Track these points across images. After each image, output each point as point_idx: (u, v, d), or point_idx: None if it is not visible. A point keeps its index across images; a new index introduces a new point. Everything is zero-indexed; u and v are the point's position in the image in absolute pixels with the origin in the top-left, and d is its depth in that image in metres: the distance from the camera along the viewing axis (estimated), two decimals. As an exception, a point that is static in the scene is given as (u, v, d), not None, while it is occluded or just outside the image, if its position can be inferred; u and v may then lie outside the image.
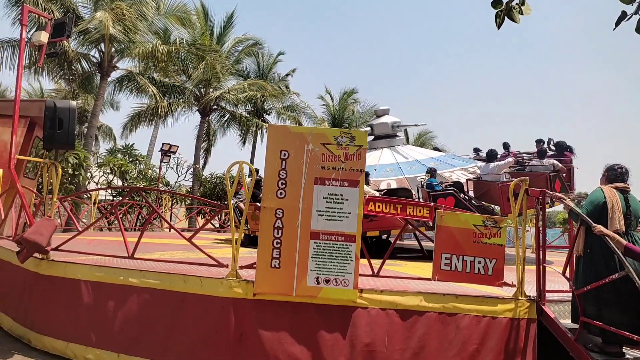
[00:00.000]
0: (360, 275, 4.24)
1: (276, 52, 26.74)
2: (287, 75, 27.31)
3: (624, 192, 3.82)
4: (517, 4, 2.72)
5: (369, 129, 12.80)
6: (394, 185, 9.87)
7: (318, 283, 4.10)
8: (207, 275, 4.34)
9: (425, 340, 4.00)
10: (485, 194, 8.78)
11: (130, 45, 17.28)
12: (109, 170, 16.46)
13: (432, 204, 4.50)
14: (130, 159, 18.38)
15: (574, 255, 3.94)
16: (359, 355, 3.99)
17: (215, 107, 23.92)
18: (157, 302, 4.42)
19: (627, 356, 3.82)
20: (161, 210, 17.26)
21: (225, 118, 25.44)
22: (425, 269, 5.17)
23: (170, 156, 18.38)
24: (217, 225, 16.86)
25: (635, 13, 2.41)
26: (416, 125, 15.01)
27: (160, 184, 17.98)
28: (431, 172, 8.77)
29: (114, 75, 19.22)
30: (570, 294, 4.04)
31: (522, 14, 2.71)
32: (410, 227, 5.25)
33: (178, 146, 18.13)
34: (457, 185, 8.82)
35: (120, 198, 14.53)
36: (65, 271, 4.86)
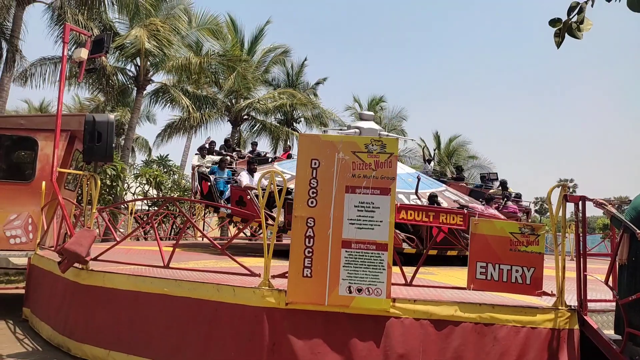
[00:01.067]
0: (393, 284, 4.19)
1: (305, 60, 26.93)
2: (317, 83, 27.48)
3: (671, 196, 3.64)
4: (575, 22, 2.59)
5: (357, 130, 12.30)
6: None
7: (350, 292, 4.08)
8: (240, 285, 4.38)
9: (462, 351, 3.90)
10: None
11: (164, 59, 17.81)
12: (144, 181, 16.93)
13: (466, 211, 4.39)
14: (165, 170, 18.86)
15: (617, 264, 3.78)
16: (393, 366, 3.92)
17: (246, 116, 24.29)
18: (192, 311, 4.49)
19: (679, 370, 3.62)
20: (194, 220, 17.62)
21: (256, 127, 25.79)
22: (459, 277, 5.05)
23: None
24: (248, 234, 17.02)
25: None
26: (407, 139, 14.33)
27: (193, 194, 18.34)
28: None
29: (149, 88, 19.85)
30: (614, 304, 3.86)
31: (580, 30, 2.60)
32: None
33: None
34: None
35: (156, 208, 14.92)
36: (104, 281, 5.01)
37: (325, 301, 4.08)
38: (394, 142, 4.29)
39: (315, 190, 4.23)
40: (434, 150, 29.89)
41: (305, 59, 26.68)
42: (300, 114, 26.02)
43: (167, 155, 20.24)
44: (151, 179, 16.71)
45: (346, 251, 4.13)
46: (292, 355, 4.03)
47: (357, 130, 12.43)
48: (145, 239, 13.91)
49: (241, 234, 18.25)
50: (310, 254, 4.15)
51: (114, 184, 14.15)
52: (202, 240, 13.79)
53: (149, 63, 17.95)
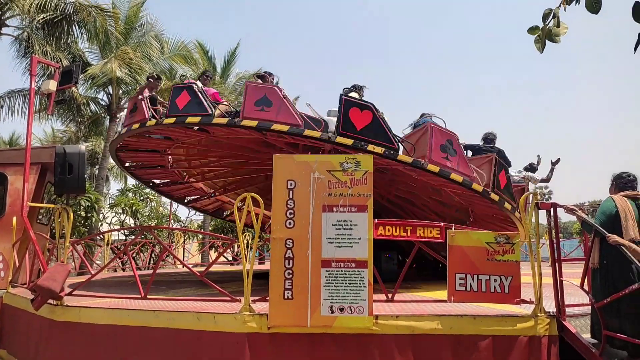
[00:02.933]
0: (375, 301, 4.19)
1: (278, 82, 27.21)
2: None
3: (635, 199, 3.77)
4: (551, 27, 2.72)
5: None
6: None
7: (332, 312, 4.05)
8: (221, 311, 4.31)
9: (445, 364, 3.90)
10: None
11: (137, 86, 17.69)
12: (120, 210, 16.61)
13: (442, 224, 4.44)
14: (141, 198, 18.53)
15: (591, 267, 3.87)
16: (379, 384, 3.90)
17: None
18: (173, 342, 4.38)
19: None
20: (174, 247, 17.33)
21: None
22: (440, 290, 5.08)
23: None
24: (229, 258, 16.82)
25: None
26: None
27: (172, 221, 18.08)
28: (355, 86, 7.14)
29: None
30: (590, 308, 3.94)
31: (557, 35, 2.73)
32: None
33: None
34: None
35: (133, 237, 14.63)
36: (80, 316, 4.87)
37: (308, 323, 4.04)
38: (369, 158, 4.34)
39: (292, 211, 4.23)
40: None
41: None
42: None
43: (143, 183, 19.97)
44: (127, 208, 16.41)
45: (326, 270, 4.12)
46: (277, 379, 3.97)
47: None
48: (123, 269, 13.58)
49: (222, 258, 18.08)
50: (291, 276, 4.12)
51: (89, 215, 13.82)
52: (183, 268, 13.57)
53: (121, 91, 17.81)
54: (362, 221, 4.16)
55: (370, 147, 5.93)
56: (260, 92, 6.49)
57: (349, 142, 5.99)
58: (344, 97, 6.29)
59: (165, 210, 19.19)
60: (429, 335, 4.01)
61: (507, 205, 6.72)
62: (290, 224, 4.21)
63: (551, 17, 2.65)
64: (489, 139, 7.92)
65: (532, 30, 2.70)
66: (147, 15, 18.65)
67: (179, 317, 4.40)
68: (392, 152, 6.02)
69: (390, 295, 4.60)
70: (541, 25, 2.71)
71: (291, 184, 4.27)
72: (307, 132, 6.14)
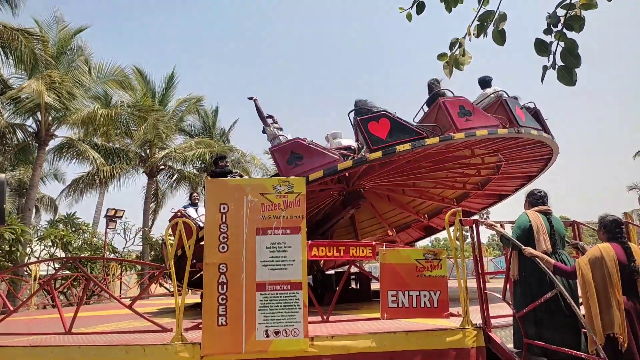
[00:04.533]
0: (310, 322, 4.19)
1: (218, 107, 27.09)
2: (230, 128, 27.58)
3: (546, 214, 4.07)
4: (457, 55, 2.92)
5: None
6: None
7: (268, 336, 4.01)
8: (151, 343, 4.13)
9: (380, 382, 3.95)
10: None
11: (67, 113, 16.93)
12: (50, 243, 15.58)
13: (373, 243, 4.56)
14: (73, 229, 17.50)
15: (511, 279, 4.09)
16: (315, 407, 3.87)
17: (162, 167, 23.56)
18: (99, 378, 4.13)
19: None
20: (109, 280, 16.40)
21: (174, 177, 25.04)
22: (375, 309, 5.17)
23: (116, 222, 17.72)
24: (171, 289, 16.16)
25: (552, 68, 2.64)
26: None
27: (107, 252, 17.18)
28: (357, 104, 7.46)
29: (53, 143, 18.65)
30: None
31: (462, 64, 2.93)
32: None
33: (124, 210, 17.55)
34: None
35: (63, 271, 13.73)
36: (-3, 356, 4.48)
37: (243, 348, 3.97)
38: (301, 181, 4.40)
39: (225, 235, 4.19)
40: None
41: (217, 108, 26.82)
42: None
43: (74, 213, 18.83)
44: (57, 240, 15.42)
45: (261, 294, 4.09)
46: (211, 411, 3.83)
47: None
48: (53, 306, 12.67)
49: (163, 290, 17.31)
50: (224, 301, 4.05)
51: (13, 248, 12.86)
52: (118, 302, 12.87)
53: (50, 117, 16.96)
54: (296, 243, 4.19)
55: (400, 147, 6.30)
56: (285, 152, 6.66)
57: (379, 154, 6.33)
58: (358, 118, 6.66)
59: (100, 242, 18.20)
60: (364, 354, 4.05)
61: (533, 132, 7.24)
62: (223, 248, 4.16)
63: (457, 46, 2.86)
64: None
65: (440, 56, 2.91)
66: (79, 38, 17.94)
67: (106, 352, 4.17)
68: (419, 141, 6.43)
69: (325, 316, 4.62)
70: (449, 53, 2.92)
71: (224, 208, 4.24)
72: (341, 166, 6.37)
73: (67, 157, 19.51)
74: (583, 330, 3.72)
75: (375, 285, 9.53)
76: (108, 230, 17.46)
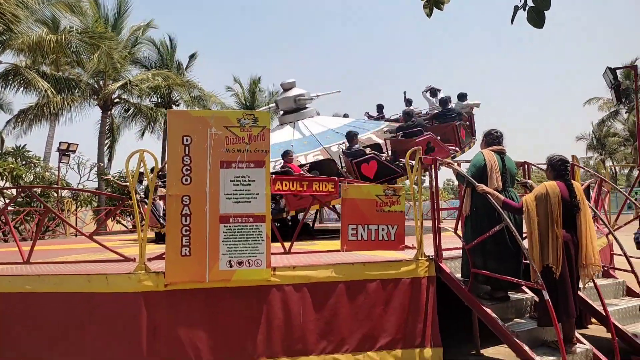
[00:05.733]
0: (273, 254, 4.33)
1: (176, 38, 25.82)
2: (189, 62, 26.46)
3: (501, 153, 4.27)
4: None
5: (274, 105, 12.44)
6: (314, 159, 9.57)
7: (231, 266, 4.12)
8: (114, 272, 4.18)
9: (337, 308, 4.21)
10: (405, 150, 9.08)
11: (11, 36, 15.65)
12: (-2, 176, 14.94)
13: (336, 179, 4.67)
14: (24, 162, 16.76)
15: (463, 214, 4.34)
16: (276, 331, 4.10)
17: (117, 100, 22.56)
18: (62, 307, 4.16)
19: (512, 298, 4.33)
20: (64, 215, 16.07)
21: (130, 111, 24.09)
22: (337, 244, 5.39)
23: (69, 156, 17.05)
24: (130, 227, 16.04)
25: (523, 8, 2.66)
26: (329, 93, 14.43)
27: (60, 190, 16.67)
28: (349, 137, 8.52)
29: (-3, 70, 17.36)
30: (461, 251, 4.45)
31: (442, 3, 2.92)
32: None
33: (77, 144, 16.84)
34: (376, 147, 8.85)
35: (12, 204, 13.30)
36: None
37: (206, 278, 4.08)
38: (266, 115, 4.37)
39: (189, 168, 4.16)
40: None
41: (171, 39, 25.51)
42: (178, 96, 24.85)
43: (25, 145, 17.95)
44: (7, 174, 14.78)
45: (224, 226, 4.15)
46: (175, 337, 3.99)
47: (272, 105, 12.39)
48: (5, 240, 12.39)
49: (121, 227, 17.15)
50: (188, 232, 4.09)
51: (-42, 181, 12.28)
52: (76, 237, 12.69)
53: (-8, 40, 15.66)
54: (260, 177, 4.23)
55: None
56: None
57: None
58: (354, 161, 7.98)
59: (53, 176, 17.58)
60: (323, 284, 4.26)
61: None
62: (186, 180, 4.14)
63: None
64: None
65: None
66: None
67: (67, 280, 4.18)
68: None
69: (287, 248, 4.78)
70: None
71: (187, 140, 4.18)
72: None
73: (14, 86, 18.26)
74: (525, 261, 4.05)
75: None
76: (61, 164, 16.83)
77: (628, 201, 7.11)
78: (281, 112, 12.12)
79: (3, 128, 21.81)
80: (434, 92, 11.62)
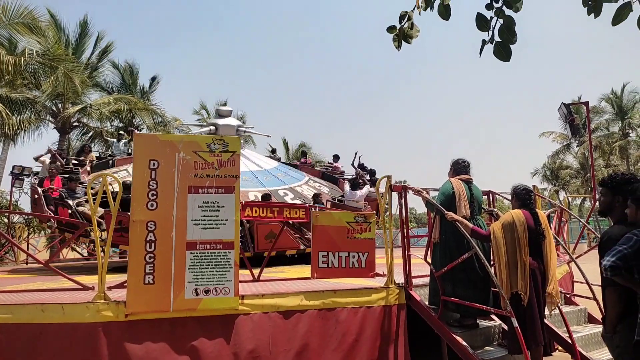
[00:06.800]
0: (241, 282, 4.21)
1: (140, 63, 25.57)
2: (151, 85, 26.14)
3: (468, 182, 4.38)
4: (406, 28, 2.99)
5: (213, 127, 12.19)
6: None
7: (197, 294, 3.97)
8: (70, 301, 3.93)
9: (308, 337, 4.10)
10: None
11: (-36, 55, 15.03)
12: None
13: (307, 205, 4.64)
14: (-28, 186, 15.87)
15: (432, 242, 4.38)
16: (243, 363, 3.94)
17: (76, 123, 21.88)
18: (11, 339, 3.86)
19: (481, 326, 4.36)
20: (17, 242, 15.18)
21: (90, 135, 23.37)
22: (307, 271, 5.31)
23: (23, 180, 16.24)
24: (86, 254, 15.32)
25: (490, 42, 2.77)
26: (260, 134, 14.62)
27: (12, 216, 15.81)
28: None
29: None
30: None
31: (410, 37, 3.01)
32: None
33: (32, 168, 16.10)
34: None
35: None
36: None
37: (171, 307, 3.91)
38: (236, 140, 4.32)
39: (155, 192, 4.03)
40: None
41: (131, 65, 25.20)
42: (140, 121, 24.35)
43: (-26, 168, 17.05)
44: (-48, 198, 13.91)
45: (191, 253, 4.02)
46: (135, 368, 3.76)
47: (212, 127, 12.14)
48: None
49: (77, 255, 16.35)
50: (152, 260, 3.93)
51: None
52: (28, 265, 11.98)
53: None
54: (230, 202, 4.14)
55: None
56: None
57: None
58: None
59: (5, 201, 16.68)
60: (293, 312, 4.15)
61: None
62: (152, 205, 4.00)
63: (406, 19, 2.93)
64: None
65: (390, 29, 2.96)
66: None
67: (18, 310, 3.89)
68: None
69: (256, 275, 4.66)
70: (398, 25, 2.99)
71: (154, 164, 4.06)
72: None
73: (-35, 108, 17.38)
74: (494, 289, 4.10)
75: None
76: (14, 189, 15.98)
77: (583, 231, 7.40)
78: None
79: None
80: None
